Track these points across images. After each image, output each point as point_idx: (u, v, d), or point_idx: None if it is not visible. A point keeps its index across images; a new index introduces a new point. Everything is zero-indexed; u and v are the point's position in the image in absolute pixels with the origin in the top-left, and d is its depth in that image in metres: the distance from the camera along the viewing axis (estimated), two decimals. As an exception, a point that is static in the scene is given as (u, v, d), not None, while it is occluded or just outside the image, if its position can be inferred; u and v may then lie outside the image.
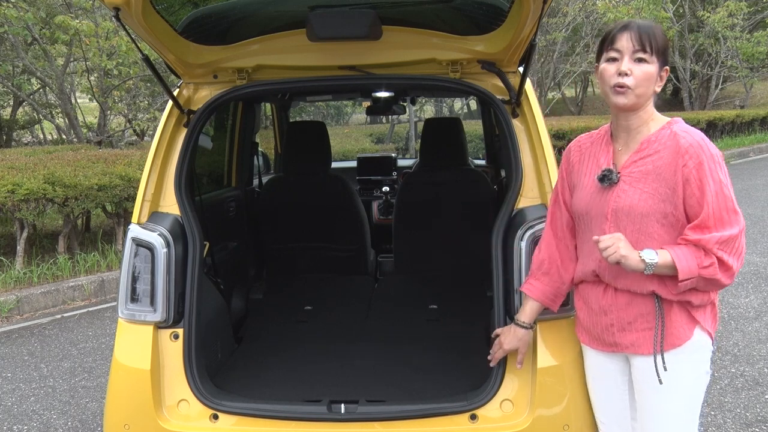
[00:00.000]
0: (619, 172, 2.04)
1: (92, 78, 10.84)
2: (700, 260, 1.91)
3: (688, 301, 2.01)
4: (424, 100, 16.31)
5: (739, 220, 1.93)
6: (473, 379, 2.58)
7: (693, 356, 2.05)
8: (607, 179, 2.04)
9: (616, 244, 1.93)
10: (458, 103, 18.69)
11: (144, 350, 2.48)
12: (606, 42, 2.02)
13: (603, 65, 2.02)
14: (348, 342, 3.24)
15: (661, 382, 2.01)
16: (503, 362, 2.41)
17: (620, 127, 2.08)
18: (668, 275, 1.95)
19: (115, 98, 10.85)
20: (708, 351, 2.09)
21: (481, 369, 2.54)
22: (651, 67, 1.97)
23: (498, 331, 2.42)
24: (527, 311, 2.32)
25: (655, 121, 2.05)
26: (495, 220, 2.55)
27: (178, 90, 2.81)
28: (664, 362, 2.01)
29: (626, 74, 1.95)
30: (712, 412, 3.79)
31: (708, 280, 1.93)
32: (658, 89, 2.03)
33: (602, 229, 2.05)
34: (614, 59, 1.98)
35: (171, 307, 2.51)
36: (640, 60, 1.96)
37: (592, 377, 2.27)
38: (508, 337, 2.34)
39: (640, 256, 1.92)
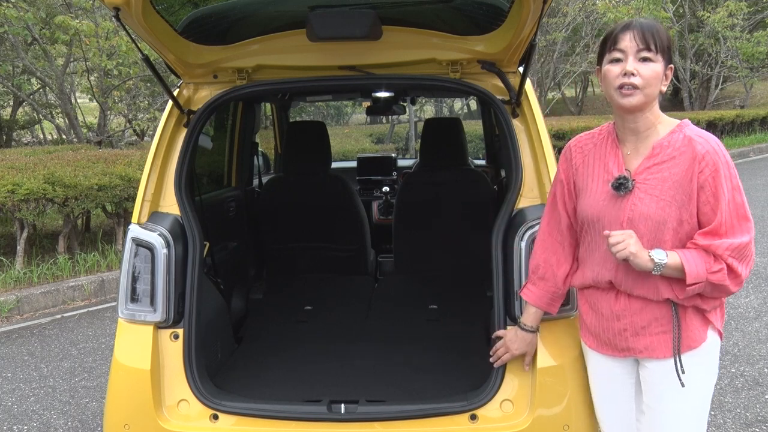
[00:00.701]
0: (633, 179, 2.00)
1: (92, 78, 10.84)
2: (709, 265, 1.89)
3: (702, 308, 2.00)
4: (424, 100, 16.31)
5: (750, 227, 1.92)
6: (473, 379, 2.58)
7: (706, 357, 2.05)
8: (623, 187, 1.99)
9: (627, 241, 1.91)
10: (458, 103, 18.68)
11: (144, 350, 2.47)
12: (608, 43, 1.97)
13: (606, 67, 1.97)
14: (348, 342, 3.24)
15: (683, 385, 2.01)
16: (503, 362, 2.41)
17: (627, 129, 2.03)
18: (678, 280, 1.94)
19: (115, 98, 10.85)
20: (718, 350, 2.09)
21: (481, 369, 2.54)
22: (657, 66, 1.93)
23: (500, 333, 2.41)
24: (530, 315, 2.31)
25: (663, 123, 2.02)
26: (495, 220, 2.55)
27: (178, 90, 2.81)
28: (682, 365, 2.00)
29: (632, 74, 1.91)
30: (712, 412, 3.79)
31: (716, 285, 1.91)
32: (664, 88, 1.99)
33: None
34: (618, 60, 1.95)
35: (171, 307, 2.51)
36: (645, 59, 1.92)
37: (597, 380, 2.25)
38: (515, 343, 2.34)
39: (650, 256, 1.91)
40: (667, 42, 1.95)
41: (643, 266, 1.92)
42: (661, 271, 1.92)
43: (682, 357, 2.00)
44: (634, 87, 1.92)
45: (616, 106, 2.00)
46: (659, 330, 2.02)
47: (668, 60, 1.97)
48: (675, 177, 1.94)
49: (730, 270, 1.90)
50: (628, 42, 1.93)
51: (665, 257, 1.91)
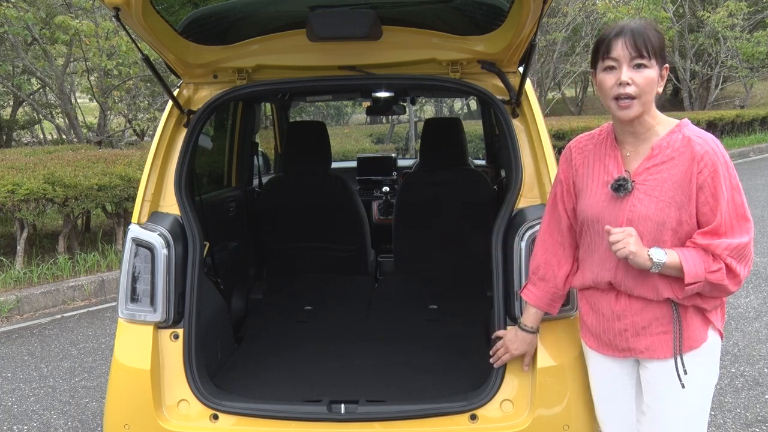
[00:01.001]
0: (632, 180, 1.99)
1: (92, 78, 10.85)
2: (707, 264, 1.89)
3: (702, 308, 2.00)
4: (424, 100, 16.31)
5: (749, 227, 1.92)
6: (473, 379, 2.58)
7: (707, 357, 2.05)
8: (623, 189, 1.98)
9: (626, 239, 1.91)
10: (458, 103, 18.68)
11: (144, 350, 2.47)
12: (601, 50, 1.96)
13: (601, 75, 1.97)
14: (348, 342, 3.24)
15: (683, 386, 2.00)
16: (503, 362, 2.41)
17: (626, 132, 2.04)
18: (677, 280, 1.93)
19: (115, 98, 10.85)
20: (719, 350, 2.09)
21: (481, 369, 2.54)
22: (652, 72, 1.92)
23: (500, 333, 2.41)
24: (530, 316, 2.31)
25: (662, 124, 2.01)
26: (495, 220, 2.55)
27: (178, 90, 2.81)
28: (684, 365, 2.00)
29: (627, 83, 1.91)
30: (712, 412, 3.79)
31: (714, 285, 1.91)
32: (661, 89, 1.98)
33: None
34: (612, 68, 1.94)
35: (171, 307, 2.51)
36: (639, 66, 1.91)
37: (598, 381, 2.25)
38: (515, 343, 2.34)
39: (649, 254, 1.91)
40: (659, 44, 1.94)
41: (641, 265, 1.92)
42: (659, 269, 1.92)
43: (683, 357, 2.00)
44: (631, 97, 1.92)
45: (613, 116, 2.01)
46: (660, 330, 2.02)
47: (662, 61, 1.96)
48: (674, 178, 1.94)
49: (729, 270, 1.90)
50: (620, 51, 1.92)
51: (664, 256, 1.91)
